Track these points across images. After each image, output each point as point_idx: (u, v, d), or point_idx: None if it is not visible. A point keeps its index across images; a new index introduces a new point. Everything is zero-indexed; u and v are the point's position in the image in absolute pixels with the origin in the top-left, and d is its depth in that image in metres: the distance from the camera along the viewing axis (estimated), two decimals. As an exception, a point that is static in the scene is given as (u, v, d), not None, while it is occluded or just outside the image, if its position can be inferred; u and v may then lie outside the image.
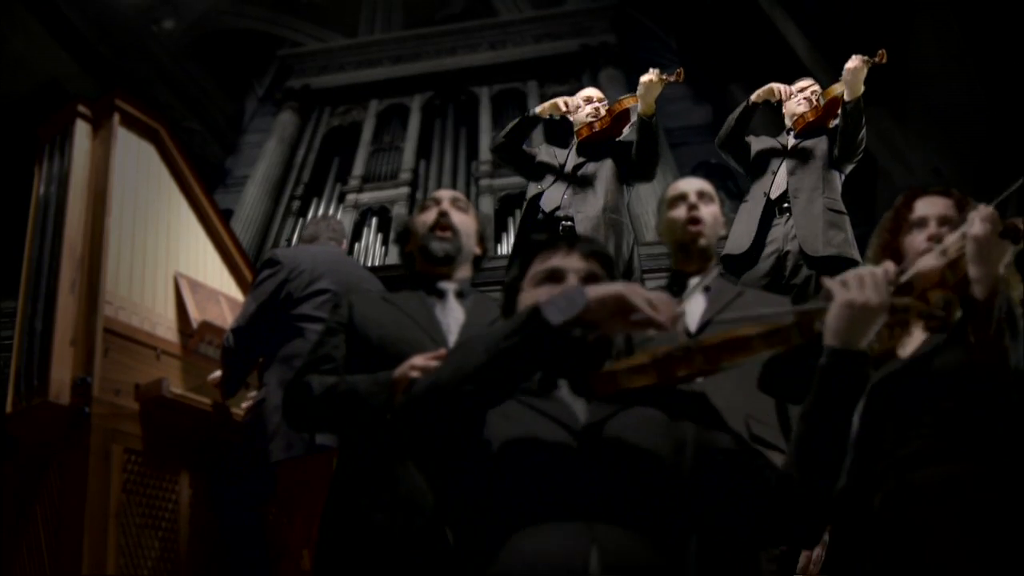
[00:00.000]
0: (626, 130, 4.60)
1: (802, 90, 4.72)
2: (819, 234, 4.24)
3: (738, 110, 4.62)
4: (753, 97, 4.62)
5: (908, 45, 7.18)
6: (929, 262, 1.97)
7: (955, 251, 2.07)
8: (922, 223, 2.45)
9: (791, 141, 4.58)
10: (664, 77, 4.28)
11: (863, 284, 1.68)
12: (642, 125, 4.38)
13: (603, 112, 4.56)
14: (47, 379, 3.51)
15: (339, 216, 12.86)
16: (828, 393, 1.66)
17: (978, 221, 2.06)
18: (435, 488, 1.80)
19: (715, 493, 1.71)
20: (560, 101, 4.63)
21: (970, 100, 6.75)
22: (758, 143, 4.66)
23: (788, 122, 4.69)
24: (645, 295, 1.63)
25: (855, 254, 4.24)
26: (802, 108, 4.61)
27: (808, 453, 1.66)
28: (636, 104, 4.41)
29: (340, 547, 2.46)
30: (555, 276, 1.90)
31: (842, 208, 4.39)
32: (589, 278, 1.88)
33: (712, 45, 10.98)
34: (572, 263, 1.90)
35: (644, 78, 4.31)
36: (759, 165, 4.60)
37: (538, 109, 4.66)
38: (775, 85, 4.67)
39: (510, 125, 4.66)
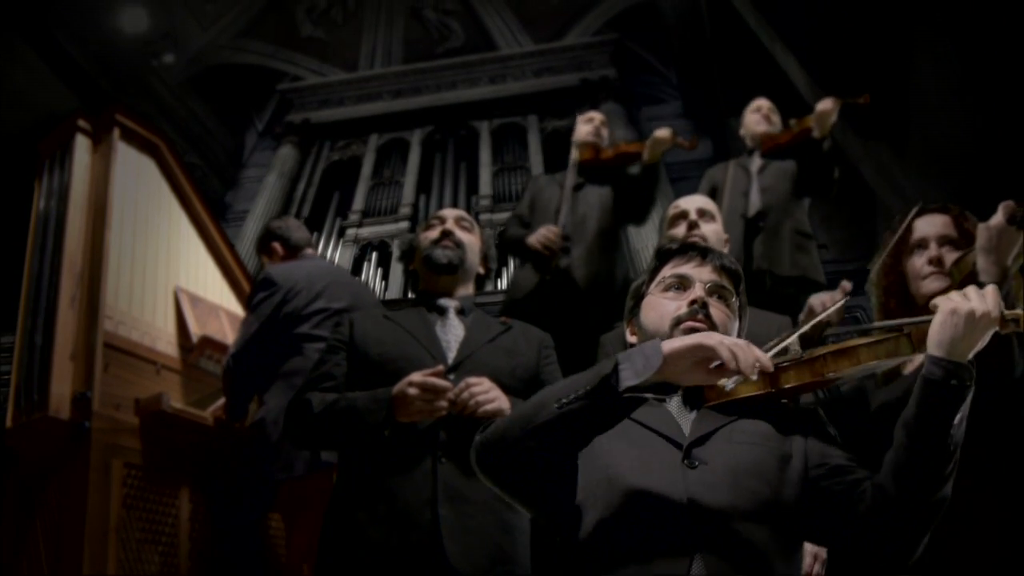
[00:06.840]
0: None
1: (758, 109, 4.80)
2: (786, 256, 4.34)
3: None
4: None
5: (908, 80, 7.20)
6: None
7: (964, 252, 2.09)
8: (922, 244, 2.46)
9: (758, 161, 4.68)
10: (678, 140, 4.35)
11: (970, 295, 1.63)
12: (645, 169, 4.42)
13: (605, 135, 4.60)
14: (47, 393, 3.48)
15: (339, 251, 12.93)
16: (928, 403, 1.61)
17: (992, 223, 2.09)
18: (537, 512, 1.80)
19: (816, 508, 1.70)
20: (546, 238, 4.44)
21: (970, 135, 6.75)
22: (725, 190, 4.66)
23: (750, 142, 4.79)
24: (723, 341, 1.58)
25: (820, 277, 4.37)
26: (763, 128, 4.73)
27: (905, 465, 1.62)
28: (642, 151, 4.43)
29: (339, 562, 2.46)
30: (682, 284, 1.91)
31: (809, 231, 4.51)
32: (715, 290, 1.90)
33: (712, 79, 11.04)
34: (701, 274, 1.92)
35: (658, 133, 4.38)
36: (732, 195, 4.63)
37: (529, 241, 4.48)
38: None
39: (508, 246, 4.71)
